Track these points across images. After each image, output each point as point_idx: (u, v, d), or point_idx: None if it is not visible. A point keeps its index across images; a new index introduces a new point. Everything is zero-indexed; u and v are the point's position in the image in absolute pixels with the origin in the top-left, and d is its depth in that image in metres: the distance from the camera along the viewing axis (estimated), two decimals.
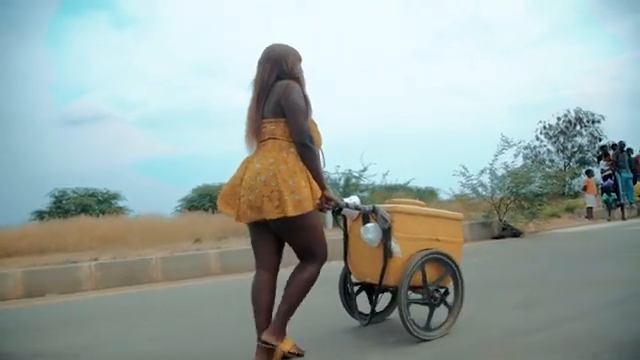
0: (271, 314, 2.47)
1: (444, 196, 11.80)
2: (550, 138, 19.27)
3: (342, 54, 41.56)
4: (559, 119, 18.95)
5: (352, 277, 3.05)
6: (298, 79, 2.54)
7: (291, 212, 2.30)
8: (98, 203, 19.40)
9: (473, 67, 36.62)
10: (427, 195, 16.29)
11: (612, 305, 3.33)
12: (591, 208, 11.65)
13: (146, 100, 36.55)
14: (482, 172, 9.20)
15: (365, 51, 40.20)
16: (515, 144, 8.99)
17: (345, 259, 3.02)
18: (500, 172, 9.01)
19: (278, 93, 2.44)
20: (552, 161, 19.24)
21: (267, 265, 2.52)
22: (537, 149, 19.38)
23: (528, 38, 37.48)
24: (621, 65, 34.66)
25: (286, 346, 2.46)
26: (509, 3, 39.01)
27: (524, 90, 35.30)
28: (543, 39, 37.51)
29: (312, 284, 2.49)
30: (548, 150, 19.31)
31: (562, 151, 19.17)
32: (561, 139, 19.02)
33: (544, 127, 19.08)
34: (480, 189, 9.34)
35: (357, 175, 11.98)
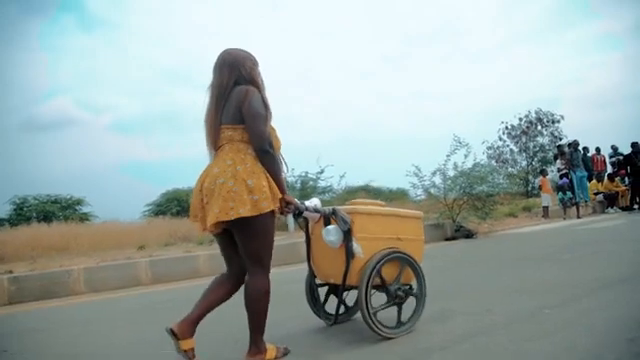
0: (209, 309, 2.48)
1: (416, 197, 11.50)
2: (513, 138, 19.24)
3: (312, 59, 41.25)
4: (521, 119, 18.89)
5: (317, 279, 3.06)
6: (257, 83, 2.48)
7: (247, 212, 2.26)
8: (61, 210, 18.70)
9: (441, 72, 36.78)
10: (398, 196, 16.17)
11: (530, 317, 3.03)
12: (547, 207, 11.51)
13: (117, 105, 35.58)
14: (435, 173, 8.95)
15: (334, 57, 40.02)
16: (466, 144, 8.75)
17: (309, 261, 3.03)
18: (451, 173, 8.75)
19: (237, 99, 2.38)
20: (515, 161, 19.23)
21: (236, 272, 2.53)
22: (500, 149, 19.34)
23: (495, 43, 37.81)
24: (584, 68, 35.26)
25: (272, 355, 2.47)
26: (475, 10, 39.23)
27: (492, 94, 35.53)
28: (508, 44, 37.94)
29: (269, 295, 2.44)
30: (511, 150, 19.27)
31: (524, 151, 19.13)
32: (523, 139, 18.98)
33: (506, 127, 19.06)
34: (433, 190, 9.08)
35: (314, 177, 11.67)
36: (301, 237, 2.95)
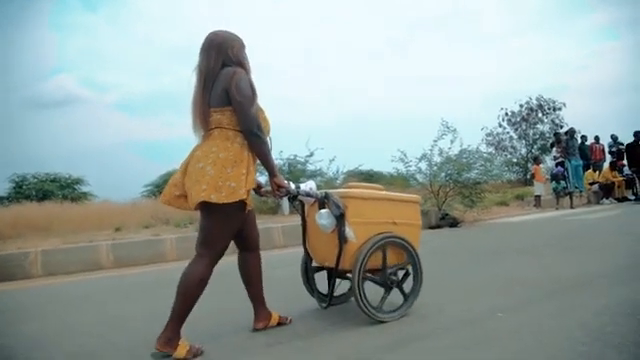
0: (261, 285, 2.68)
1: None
2: (513, 125, 18.69)
3: (316, 42, 40.53)
4: (521, 106, 18.30)
5: (313, 262, 3.02)
6: (244, 65, 2.45)
7: (217, 199, 2.24)
8: (60, 188, 18.51)
9: (444, 57, 35.95)
10: (399, 181, 15.81)
11: (479, 320, 2.70)
12: (539, 196, 11.06)
13: (121, 83, 35.19)
14: (421, 158, 8.56)
15: (338, 40, 39.26)
16: (454, 129, 8.32)
17: (304, 244, 2.98)
18: (437, 158, 8.36)
19: (224, 81, 2.35)
20: (514, 148, 18.71)
21: (244, 246, 2.63)
22: (500, 136, 18.81)
23: (500, 29, 36.85)
24: (589, 57, 34.31)
25: (180, 353, 2.28)
26: None
27: (495, 80, 34.69)
28: (514, 31, 36.94)
29: (204, 285, 2.38)
30: (510, 137, 18.73)
31: (524, 138, 18.60)
32: (523, 126, 18.44)
33: (506, 114, 18.48)
34: (419, 176, 8.71)
35: (303, 161, 11.34)
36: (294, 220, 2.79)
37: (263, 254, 2.78)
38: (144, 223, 8.63)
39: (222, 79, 2.36)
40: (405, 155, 8.57)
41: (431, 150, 8.44)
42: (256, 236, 2.70)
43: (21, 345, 2.79)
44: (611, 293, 3.11)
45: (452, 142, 8.24)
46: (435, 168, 8.41)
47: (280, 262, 4.70)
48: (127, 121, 33.36)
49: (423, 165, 8.51)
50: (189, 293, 2.33)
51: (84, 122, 31.41)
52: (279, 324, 2.76)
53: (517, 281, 3.64)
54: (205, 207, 2.32)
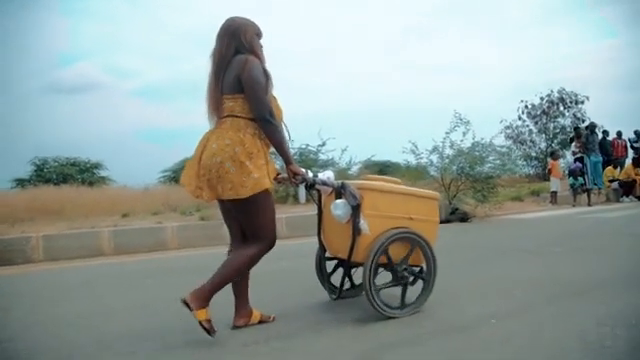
0: (247, 281, 2.58)
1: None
2: (532, 118, 18.16)
3: (335, 29, 40.04)
4: (542, 99, 17.74)
5: (327, 252, 2.97)
6: (257, 53, 2.42)
7: (244, 193, 2.27)
8: (80, 172, 18.75)
9: (464, 46, 35.13)
10: (415, 173, 15.52)
11: (470, 327, 2.53)
12: (555, 192, 10.69)
13: (141, 70, 35.41)
14: (432, 151, 8.31)
15: (357, 27, 38.69)
16: (467, 121, 8.04)
17: (319, 234, 2.94)
18: (448, 151, 8.09)
19: (237, 68, 2.33)
20: (533, 142, 18.17)
21: (237, 238, 2.54)
22: (519, 129, 18.29)
23: (520, 19, 35.74)
24: (614, 49, 33.04)
25: (201, 316, 2.28)
26: None
27: (515, 71, 33.73)
28: (535, 21, 35.74)
29: (251, 265, 2.44)
30: (530, 130, 18.21)
31: (544, 132, 18.07)
32: (543, 119, 17.90)
33: (526, 106, 17.93)
34: (431, 169, 8.47)
35: (315, 150, 11.16)
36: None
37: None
38: (154, 209, 8.62)
39: (234, 66, 2.34)
40: (416, 147, 8.35)
41: (443, 142, 8.18)
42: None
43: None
44: (616, 301, 2.90)
45: (464, 134, 7.97)
46: (447, 161, 8.15)
47: (284, 254, 4.59)
48: (145, 108, 33.59)
49: (434, 158, 8.27)
50: (234, 265, 2.39)
51: (104, 108, 31.71)
52: (260, 322, 2.65)
53: (518, 284, 3.44)
54: (236, 203, 2.35)
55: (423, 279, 2.80)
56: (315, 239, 2.97)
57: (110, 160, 19.25)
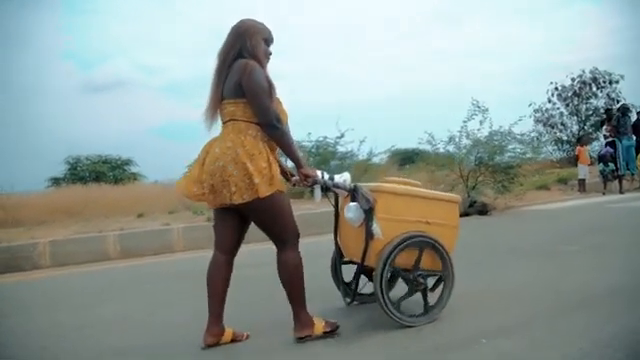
0: (224, 297, 2.44)
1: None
2: (563, 100, 17.27)
3: (362, 16, 39.31)
4: (573, 80, 16.82)
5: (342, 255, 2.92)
6: (259, 58, 2.35)
7: (249, 197, 2.23)
8: (111, 169, 19.11)
9: (493, 29, 33.83)
10: (447, 161, 15.08)
11: (455, 347, 2.29)
12: (583, 180, 10.09)
13: (170, 66, 35.86)
14: (450, 141, 7.95)
15: (384, 14, 37.86)
16: (485, 109, 7.62)
17: (335, 236, 2.88)
18: (465, 141, 7.71)
19: (237, 73, 2.28)
20: (564, 125, 17.30)
21: (224, 247, 2.45)
22: (549, 112, 17.45)
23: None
24: None
25: (318, 330, 2.41)
26: None
27: (545, 51, 32.24)
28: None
29: (301, 267, 2.41)
30: (561, 113, 17.33)
31: (576, 114, 17.18)
32: (575, 101, 17.00)
33: (556, 88, 17.05)
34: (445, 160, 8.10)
35: (333, 142, 10.91)
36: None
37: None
38: (172, 207, 8.61)
39: (235, 71, 2.30)
40: (432, 137, 8.00)
41: (460, 132, 7.80)
42: (238, 242, 2.49)
43: None
44: (625, 316, 2.59)
45: (481, 123, 7.55)
46: (464, 151, 7.78)
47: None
48: (174, 103, 34.03)
49: (451, 148, 7.91)
50: (292, 281, 2.39)
51: (134, 105, 32.31)
52: (233, 341, 2.49)
53: (519, 294, 3.15)
54: (249, 208, 2.30)
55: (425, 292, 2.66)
56: (330, 237, 2.90)
57: (140, 156, 19.55)
